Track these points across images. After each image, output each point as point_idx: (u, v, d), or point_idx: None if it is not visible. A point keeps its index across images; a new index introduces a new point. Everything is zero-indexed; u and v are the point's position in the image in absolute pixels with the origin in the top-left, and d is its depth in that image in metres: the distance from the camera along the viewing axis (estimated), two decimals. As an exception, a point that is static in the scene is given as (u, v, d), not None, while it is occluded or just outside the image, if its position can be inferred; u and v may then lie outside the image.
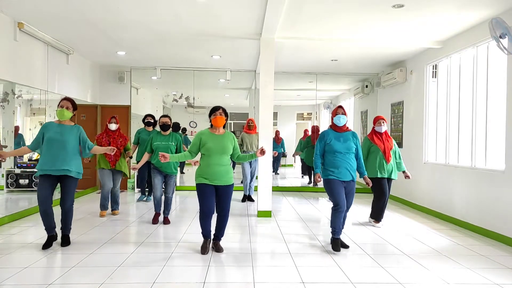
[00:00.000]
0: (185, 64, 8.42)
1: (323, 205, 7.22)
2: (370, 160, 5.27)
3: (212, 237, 4.15)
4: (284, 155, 11.72)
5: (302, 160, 9.96)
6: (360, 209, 6.66)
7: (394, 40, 6.24)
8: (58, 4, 4.88)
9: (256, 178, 6.83)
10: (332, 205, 4.22)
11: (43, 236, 4.26)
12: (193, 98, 9.17)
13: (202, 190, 3.92)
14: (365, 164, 4.94)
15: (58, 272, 3.46)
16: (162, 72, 8.74)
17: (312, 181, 9.57)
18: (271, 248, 4.34)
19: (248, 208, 6.69)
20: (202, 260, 3.81)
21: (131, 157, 6.08)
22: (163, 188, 5.37)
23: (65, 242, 4.24)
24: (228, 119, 4.11)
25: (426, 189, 6.65)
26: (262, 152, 3.94)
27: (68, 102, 4.18)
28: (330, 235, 4.24)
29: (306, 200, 7.74)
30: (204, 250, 4.00)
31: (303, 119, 12.84)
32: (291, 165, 12.64)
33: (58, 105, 4.15)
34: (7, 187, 6.84)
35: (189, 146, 4.12)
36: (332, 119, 4.33)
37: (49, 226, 4.11)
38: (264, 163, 5.95)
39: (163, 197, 5.40)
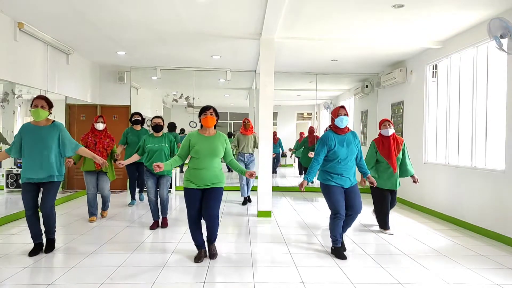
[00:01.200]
0: (185, 64, 8.42)
1: (323, 205, 7.21)
2: (377, 169, 5.03)
3: (206, 244, 3.95)
4: (283, 155, 11.72)
5: (298, 160, 9.97)
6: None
7: (394, 40, 6.24)
8: (58, 4, 4.88)
9: (256, 178, 6.80)
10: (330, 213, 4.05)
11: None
12: (193, 98, 9.17)
13: (189, 195, 3.73)
14: (371, 173, 4.79)
15: (57, 272, 3.46)
16: (162, 72, 8.74)
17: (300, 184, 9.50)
18: (271, 248, 4.33)
19: (248, 208, 6.69)
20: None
21: (115, 160, 5.49)
22: (158, 189, 5.16)
23: (50, 246, 4.02)
24: (219, 119, 3.87)
25: (426, 189, 6.64)
26: (251, 175, 3.76)
27: (42, 100, 3.83)
28: (330, 235, 4.12)
29: (306, 200, 7.74)
30: (198, 259, 3.77)
31: (303, 119, 12.88)
32: (291, 165, 12.66)
33: (32, 105, 3.78)
34: (7, 187, 6.84)
35: (178, 150, 3.90)
36: (333, 120, 4.09)
37: (35, 233, 3.92)
38: (264, 163, 5.95)
39: (158, 200, 5.19)
